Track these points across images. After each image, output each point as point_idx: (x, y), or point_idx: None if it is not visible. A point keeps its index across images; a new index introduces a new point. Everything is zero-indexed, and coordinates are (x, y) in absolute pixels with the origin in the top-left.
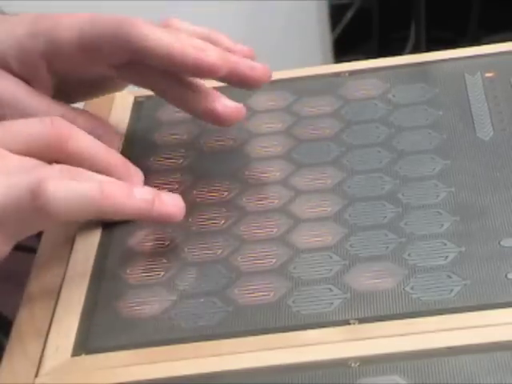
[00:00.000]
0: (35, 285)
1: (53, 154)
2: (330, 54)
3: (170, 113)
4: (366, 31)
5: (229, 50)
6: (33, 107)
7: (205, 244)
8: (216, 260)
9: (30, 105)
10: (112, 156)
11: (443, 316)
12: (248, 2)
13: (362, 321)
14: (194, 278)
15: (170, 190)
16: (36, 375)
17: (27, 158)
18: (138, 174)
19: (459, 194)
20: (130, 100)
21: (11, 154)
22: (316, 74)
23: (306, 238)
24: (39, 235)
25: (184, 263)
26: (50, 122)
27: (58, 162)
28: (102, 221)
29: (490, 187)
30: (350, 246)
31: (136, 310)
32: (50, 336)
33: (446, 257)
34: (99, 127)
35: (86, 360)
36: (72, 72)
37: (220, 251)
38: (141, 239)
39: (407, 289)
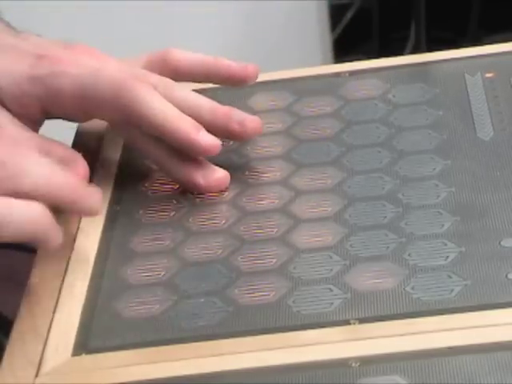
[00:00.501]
0: (35, 285)
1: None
2: (329, 54)
3: None
4: (366, 31)
5: (230, 75)
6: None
7: (205, 244)
8: (216, 260)
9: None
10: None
11: (443, 316)
12: (248, 2)
13: (362, 321)
14: (194, 278)
15: (171, 190)
16: (36, 375)
17: None
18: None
19: (459, 194)
20: None
21: None
22: (316, 74)
23: (306, 238)
24: None
25: (184, 263)
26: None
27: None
28: (103, 221)
29: (490, 187)
30: (351, 246)
31: (136, 309)
32: (50, 336)
33: (447, 257)
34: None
35: (86, 360)
36: (66, 118)
37: (220, 251)
38: (141, 239)
39: (407, 289)
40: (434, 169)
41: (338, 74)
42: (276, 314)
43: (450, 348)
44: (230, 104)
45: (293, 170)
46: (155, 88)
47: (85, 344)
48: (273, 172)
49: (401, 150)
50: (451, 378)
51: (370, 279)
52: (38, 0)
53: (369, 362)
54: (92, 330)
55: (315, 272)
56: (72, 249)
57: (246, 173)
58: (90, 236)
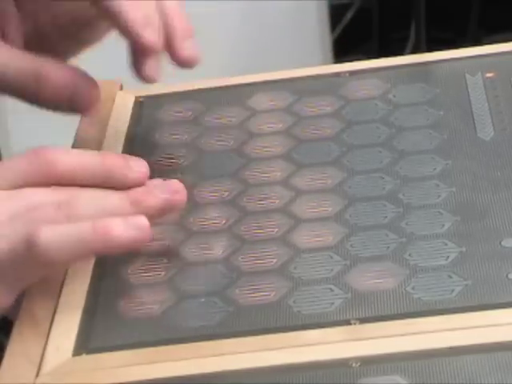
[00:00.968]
0: (35, 285)
1: (48, 182)
2: (329, 54)
3: (171, 113)
4: (366, 31)
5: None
6: None
7: (205, 244)
8: (217, 260)
9: None
10: (103, 158)
11: (444, 316)
12: (247, 2)
13: (362, 321)
14: (194, 277)
15: None
16: (37, 375)
17: (21, 196)
18: (138, 163)
19: (460, 194)
20: (131, 100)
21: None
22: (316, 73)
23: (306, 238)
24: None
25: (184, 263)
26: (33, 155)
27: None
28: None
29: (490, 187)
30: (351, 246)
31: (136, 309)
32: (51, 336)
33: (447, 257)
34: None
35: (87, 360)
36: (43, 11)
37: (221, 251)
38: None
39: (408, 289)
40: (435, 169)
41: (338, 74)
42: (277, 314)
43: (450, 348)
44: (229, 104)
45: (293, 170)
46: None
47: (85, 344)
48: (273, 172)
49: (401, 149)
50: (452, 378)
51: (370, 279)
52: None
53: (369, 362)
54: (92, 330)
55: (316, 272)
56: None
57: (247, 173)
58: None
